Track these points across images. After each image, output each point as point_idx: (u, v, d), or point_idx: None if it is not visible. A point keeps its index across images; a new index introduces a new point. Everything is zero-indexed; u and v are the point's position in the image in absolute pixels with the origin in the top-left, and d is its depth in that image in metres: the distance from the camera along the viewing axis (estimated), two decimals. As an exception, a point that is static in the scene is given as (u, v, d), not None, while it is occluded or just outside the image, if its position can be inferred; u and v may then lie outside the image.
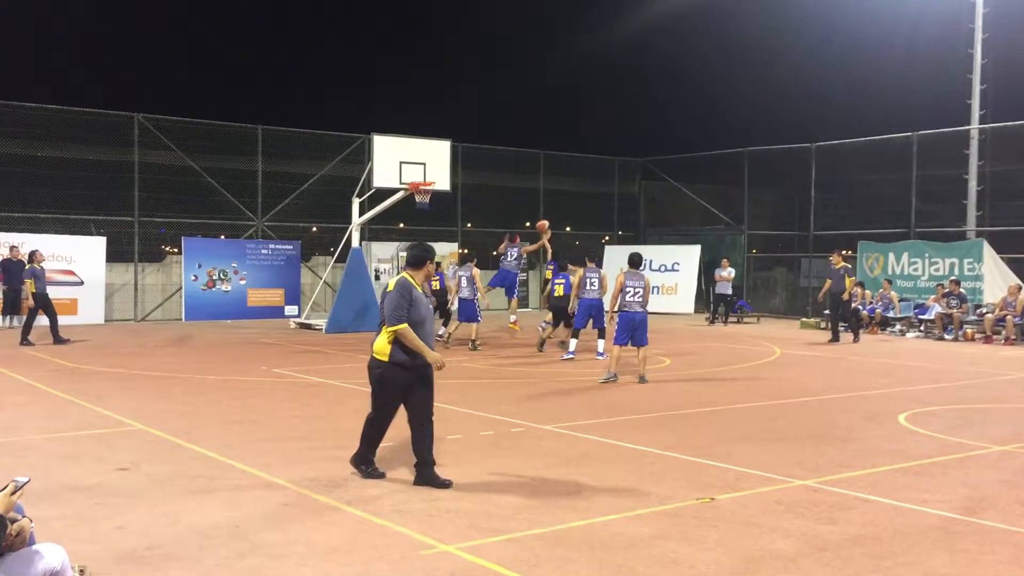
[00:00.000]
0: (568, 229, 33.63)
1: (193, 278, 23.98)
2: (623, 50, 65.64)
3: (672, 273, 27.60)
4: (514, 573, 5.07)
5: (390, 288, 7.09)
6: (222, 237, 25.66)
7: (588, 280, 15.57)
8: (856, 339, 19.80)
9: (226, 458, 7.81)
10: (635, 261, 13.24)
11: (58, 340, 17.55)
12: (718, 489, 6.92)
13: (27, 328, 17.67)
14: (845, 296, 19.79)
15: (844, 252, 25.86)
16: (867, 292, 22.99)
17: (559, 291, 16.64)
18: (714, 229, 30.46)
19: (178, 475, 7.23)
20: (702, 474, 7.42)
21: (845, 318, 20.16)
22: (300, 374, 13.43)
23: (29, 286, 17.68)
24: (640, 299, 12.86)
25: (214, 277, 24.17)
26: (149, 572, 5.06)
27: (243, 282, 24.62)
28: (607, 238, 32.97)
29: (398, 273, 7.60)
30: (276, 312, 24.80)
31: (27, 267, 17.96)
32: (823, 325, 23.55)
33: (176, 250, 24.92)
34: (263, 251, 25.04)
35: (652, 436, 8.96)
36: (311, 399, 11.22)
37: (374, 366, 7.16)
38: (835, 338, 19.70)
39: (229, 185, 25.02)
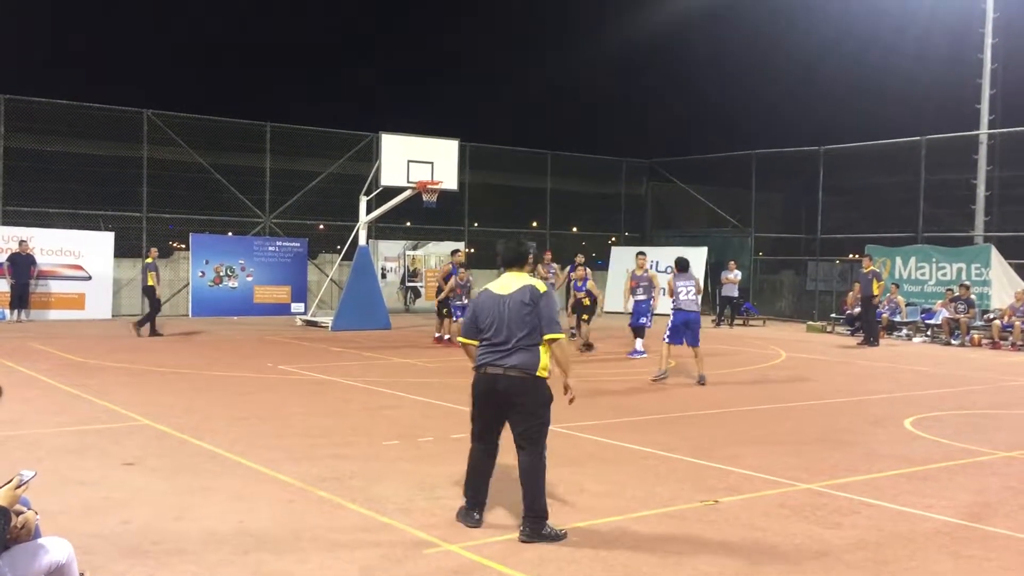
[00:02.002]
0: (574, 229, 33.62)
1: (200, 274, 24.04)
2: (632, 51, 65.61)
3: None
4: (518, 572, 5.08)
5: (543, 290, 5.88)
6: (229, 234, 25.72)
7: (640, 287, 16.28)
8: (875, 342, 19.72)
9: (231, 454, 7.83)
10: (683, 266, 13.23)
11: (153, 332, 18.22)
12: (722, 492, 6.91)
13: (152, 321, 18.38)
14: (875, 301, 19.89)
15: (852, 256, 25.86)
16: (900, 299, 22.74)
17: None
18: (721, 231, 30.44)
19: (183, 470, 7.25)
20: (706, 476, 7.42)
21: (868, 321, 20.09)
22: (306, 371, 13.45)
23: (150, 279, 18.39)
24: (694, 298, 12.89)
25: (221, 273, 24.23)
26: (154, 566, 5.08)
27: (250, 279, 24.67)
28: (613, 239, 32.95)
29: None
30: (283, 309, 24.84)
31: (147, 261, 18.83)
32: (828, 329, 23.55)
33: (184, 246, 25.00)
34: (270, 248, 25.10)
35: (656, 438, 8.95)
36: (317, 396, 11.24)
37: (541, 388, 5.81)
38: (869, 342, 19.65)
39: (237, 182, 25.08)
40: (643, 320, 16.32)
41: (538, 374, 5.75)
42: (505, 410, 5.80)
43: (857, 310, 21.41)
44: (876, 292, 19.85)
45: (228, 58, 71.00)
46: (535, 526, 5.64)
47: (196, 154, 24.26)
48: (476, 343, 5.94)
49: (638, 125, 62.13)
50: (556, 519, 6.00)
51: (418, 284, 27.69)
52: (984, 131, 24.09)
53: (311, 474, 7.16)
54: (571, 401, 6.02)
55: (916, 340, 21.53)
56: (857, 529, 6.06)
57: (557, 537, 5.62)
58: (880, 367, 15.93)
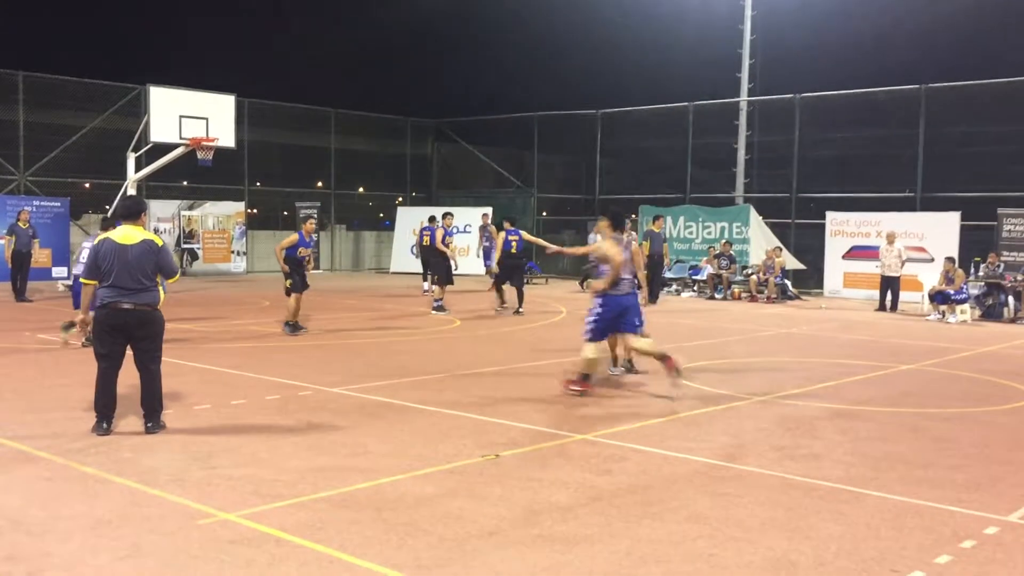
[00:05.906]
0: (361, 190, 33.22)
1: (-56, 237, 21.79)
2: (420, 11, 65.10)
3: (464, 235, 27.85)
4: (296, 538, 5.00)
5: (161, 243, 7.43)
6: (-22, 192, 23.49)
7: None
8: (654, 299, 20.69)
9: (-19, 432, 7.22)
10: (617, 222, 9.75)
11: None
12: (503, 446, 7.11)
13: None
14: (667, 262, 21.04)
15: (630, 216, 27.05)
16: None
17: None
18: (505, 191, 31.01)
19: (-76, 452, 6.61)
20: (488, 431, 7.60)
21: (656, 279, 21.08)
22: (70, 340, 12.54)
23: None
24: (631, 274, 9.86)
25: (-31, 236, 22.07)
26: None
27: (3, 241, 22.63)
28: (400, 199, 32.85)
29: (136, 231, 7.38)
30: (43, 274, 22.96)
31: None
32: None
33: (-77, 206, 22.59)
34: (27, 208, 23.08)
35: (440, 396, 9.06)
36: (78, 367, 10.50)
37: (160, 318, 7.44)
38: (654, 300, 20.49)
39: (-14, 136, 22.91)
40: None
41: (159, 307, 7.33)
42: (133, 336, 7.19)
43: None
44: (665, 252, 21.14)
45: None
46: (157, 419, 7.28)
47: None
48: (96, 283, 7.22)
49: (425, 86, 61.97)
50: (339, 479, 6.04)
51: (195, 246, 26.46)
52: (744, 99, 25.81)
53: (73, 448, 6.73)
54: None
55: (684, 295, 22.93)
56: (626, 475, 6.41)
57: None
58: (650, 320, 16.80)
